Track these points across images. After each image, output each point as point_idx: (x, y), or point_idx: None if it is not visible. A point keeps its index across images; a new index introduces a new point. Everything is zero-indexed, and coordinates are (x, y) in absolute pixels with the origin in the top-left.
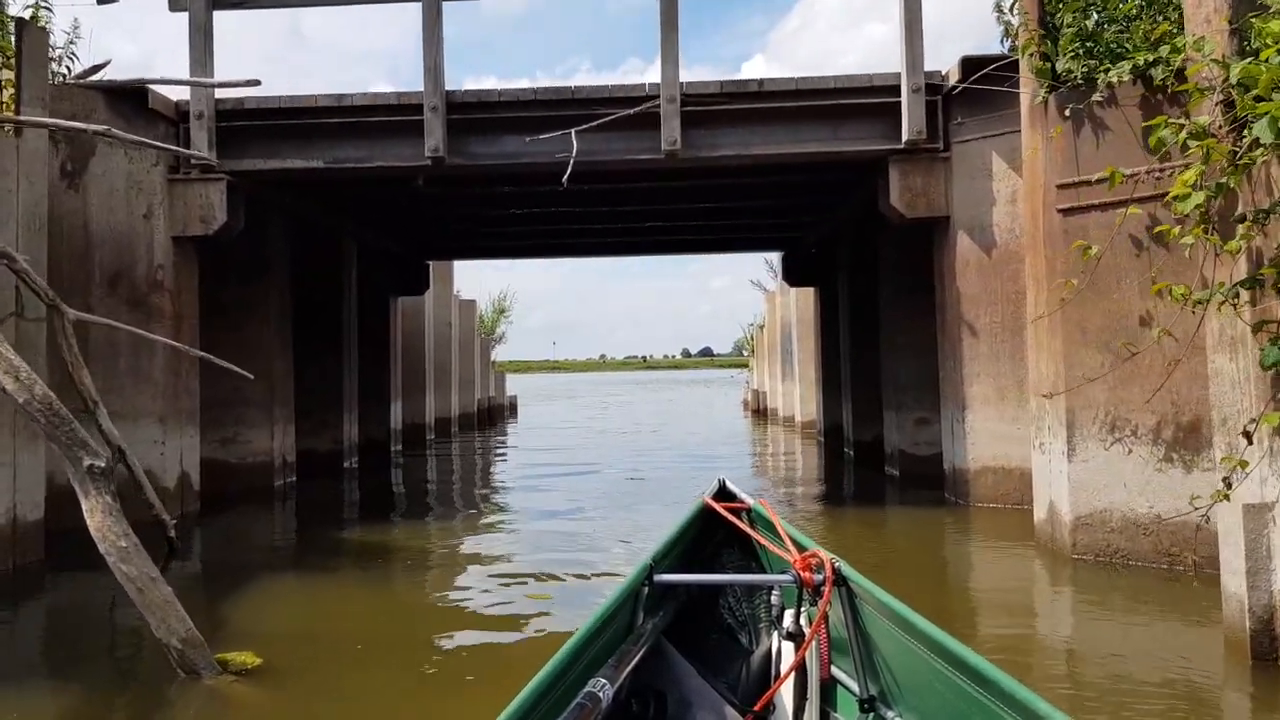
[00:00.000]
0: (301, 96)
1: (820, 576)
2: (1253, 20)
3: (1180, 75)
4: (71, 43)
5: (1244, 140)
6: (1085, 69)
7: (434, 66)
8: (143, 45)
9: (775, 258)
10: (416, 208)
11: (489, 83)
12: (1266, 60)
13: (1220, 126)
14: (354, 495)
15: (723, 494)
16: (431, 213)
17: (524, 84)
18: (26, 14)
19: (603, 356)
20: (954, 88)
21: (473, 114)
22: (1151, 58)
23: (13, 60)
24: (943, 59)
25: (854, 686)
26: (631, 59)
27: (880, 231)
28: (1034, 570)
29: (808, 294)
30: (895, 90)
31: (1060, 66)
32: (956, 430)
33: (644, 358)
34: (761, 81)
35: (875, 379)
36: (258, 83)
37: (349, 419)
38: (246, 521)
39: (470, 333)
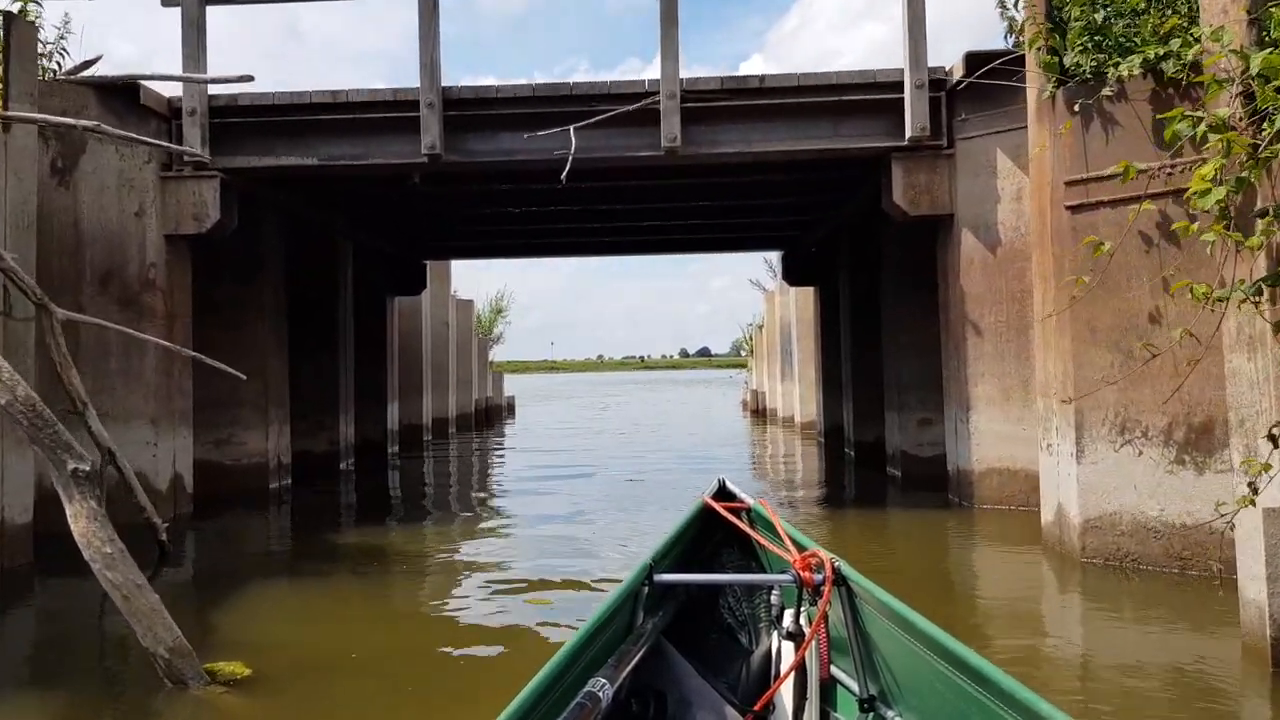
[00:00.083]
0: (296, 93)
1: (820, 576)
2: (1272, 10)
3: (1195, 68)
4: (62, 38)
5: (1265, 133)
6: (1094, 63)
7: (430, 62)
8: (142, 45)
9: (775, 257)
10: (413, 206)
11: (487, 82)
12: None
13: (1240, 119)
14: (350, 498)
15: (722, 494)
16: (428, 211)
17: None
18: (14, 8)
19: (600, 357)
20: (958, 84)
21: (470, 110)
22: (1162, 51)
23: (0, 54)
24: (941, 57)
25: (854, 686)
26: (630, 59)
27: (882, 230)
28: (1043, 574)
29: (808, 293)
30: (898, 86)
31: (1068, 61)
32: (961, 431)
33: (642, 358)
34: (763, 78)
35: (877, 379)
36: (251, 78)
37: (345, 420)
38: (240, 524)
39: (468, 333)
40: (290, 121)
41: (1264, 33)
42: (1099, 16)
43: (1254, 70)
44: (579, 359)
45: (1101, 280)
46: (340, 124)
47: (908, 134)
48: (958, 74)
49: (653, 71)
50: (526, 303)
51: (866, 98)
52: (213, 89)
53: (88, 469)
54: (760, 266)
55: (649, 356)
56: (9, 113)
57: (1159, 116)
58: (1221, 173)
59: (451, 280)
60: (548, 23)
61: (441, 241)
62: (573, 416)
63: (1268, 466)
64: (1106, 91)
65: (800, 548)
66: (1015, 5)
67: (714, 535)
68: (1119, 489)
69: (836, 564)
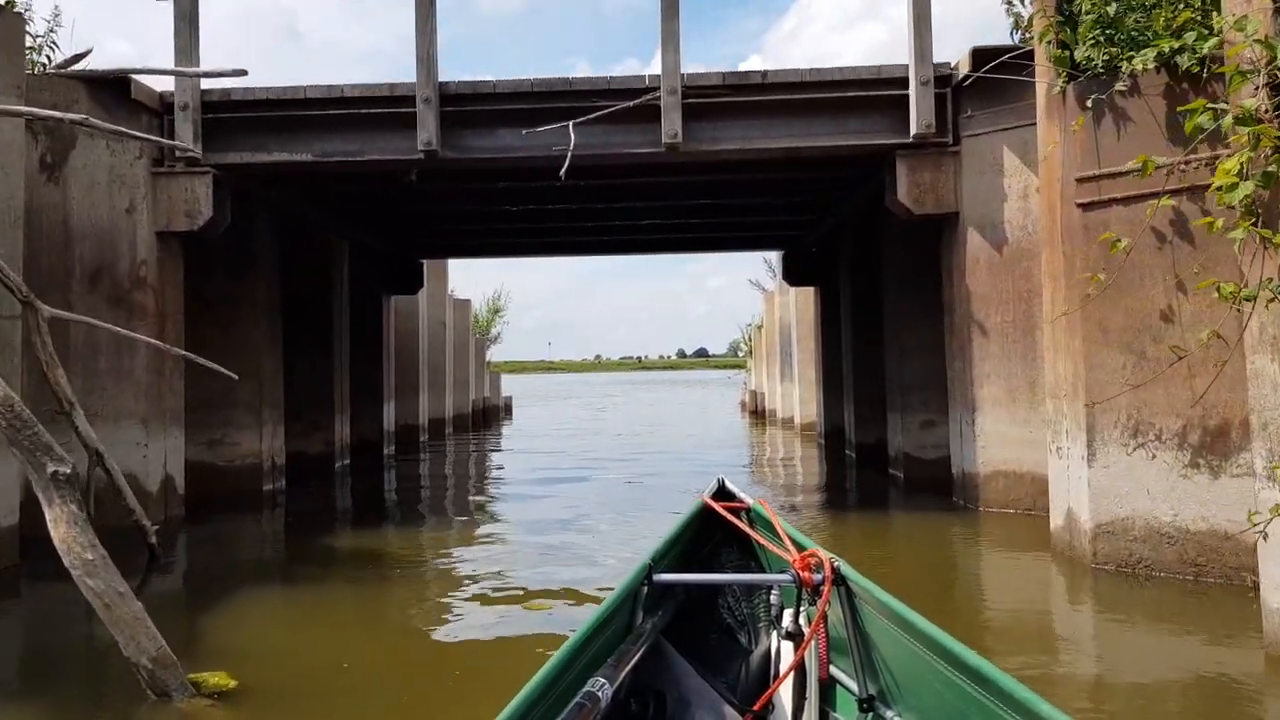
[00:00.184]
0: (290, 87)
1: (819, 576)
2: None
3: (1212, 61)
4: (52, 31)
5: None
6: (1106, 57)
7: (426, 57)
8: (140, 43)
9: (775, 257)
10: (409, 204)
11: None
12: None
13: (1266, 110)
14: (345, 500)
15: (721, 493)
16: (424, 209)
17: None
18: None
19: (598, 357)
20: (964, 80)
21: (467, 106)
22: (1176, 45)
23: None
24: (941, 57)
25: (853, 686)
26: (629, 59)
27: (885, 229)
28: (1053, 580)
29: (808, 294)
30: (903, 83)
31: (1079, 55)
32: (966, 433)
33: (639, 358)
34: (765, 73)
35: (878, 380)
36: (244, 72)
37: (340, 420)
38: (233, 527)
39: (465, 332)
40: (284, 117)
41: None
42: (1111, 9)
43: None
44: (576, 359)
45: (1113, 279)
46: (335, 119)
47: (913, 131)
48: (964, 70)
49: (652, 70)
50: (524, 303)
51: (871, 94)
52: (206, 84)
53: (68, 472)
54: (759, 267)
55: (646, 357)
56: None
57: (1181, 109)
58: (1248, 167)
59: (449, 279)
60: (546, 23)
61: (438, 240)
62: (570, 417)
63: None
64: (1120, 86)
65: (800, 547)
66: (1022, 1)
67: (713, 535)
68: (1131, 493)
69: (836, 564)
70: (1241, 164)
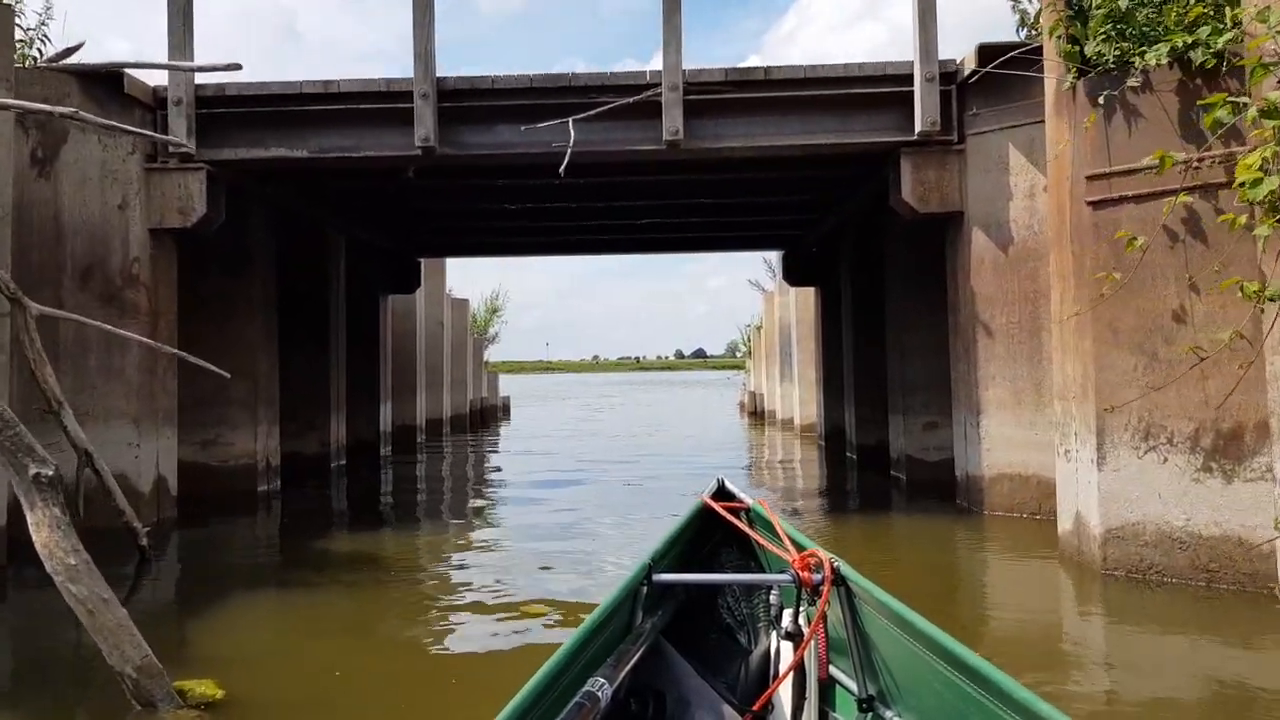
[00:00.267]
0: (286, 82)
1: (819, 576)
2: None
3: (1228, 54)
4: (44, 24)
5: None
6: (1118, 52)
7: (424, 52)
8: (139, 42)
9: (775, 257)
10: (407, 202)
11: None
12: None
13: None
14: (341, 501)
15: (721, 493)
16: (422, 207)
17: None
18: None
19: (596, 357)
20: (970, 76)
21: (465, 102)
22: (1190, 39)
23: None
24: (942, 54)
25: (852, 686)
26: (627, 60)
27: (887, 228)
28: (1063, 586)
29: (808, 294)
30: (908, 79)
31: (1089, 50)
32: (970, 435)
33: (637, 359)
34: (768, 69)
35: (880, 381)
36: (238, 67)
37: (336, 420)
38: (226, 529)
39: (463, 332)
40: (280, 112)
41: None
42: (1123, 3)
43: None
44: (574, 359)
45: (1127, 279)
46: (331, 115)
47: (917, 128)
48: (969, 66)
49: (652, 68)
50: (522, 302)
51: (875, 91)
52: (200, 79)
53: (51, 474)
54: (758, 268)
55: (644, 357)
56: None
57: (1201, 102)
58: (1273, 162)
59: (446, 279)
60: (543, 24)
61: (436, 239)
62: (568, 418)
63: None
64: (1132, 82)
65: (799, 547)
66: None
67: (713, 535)
68: (1142, 497)
69: (835, 564)
70: (1265, 159)
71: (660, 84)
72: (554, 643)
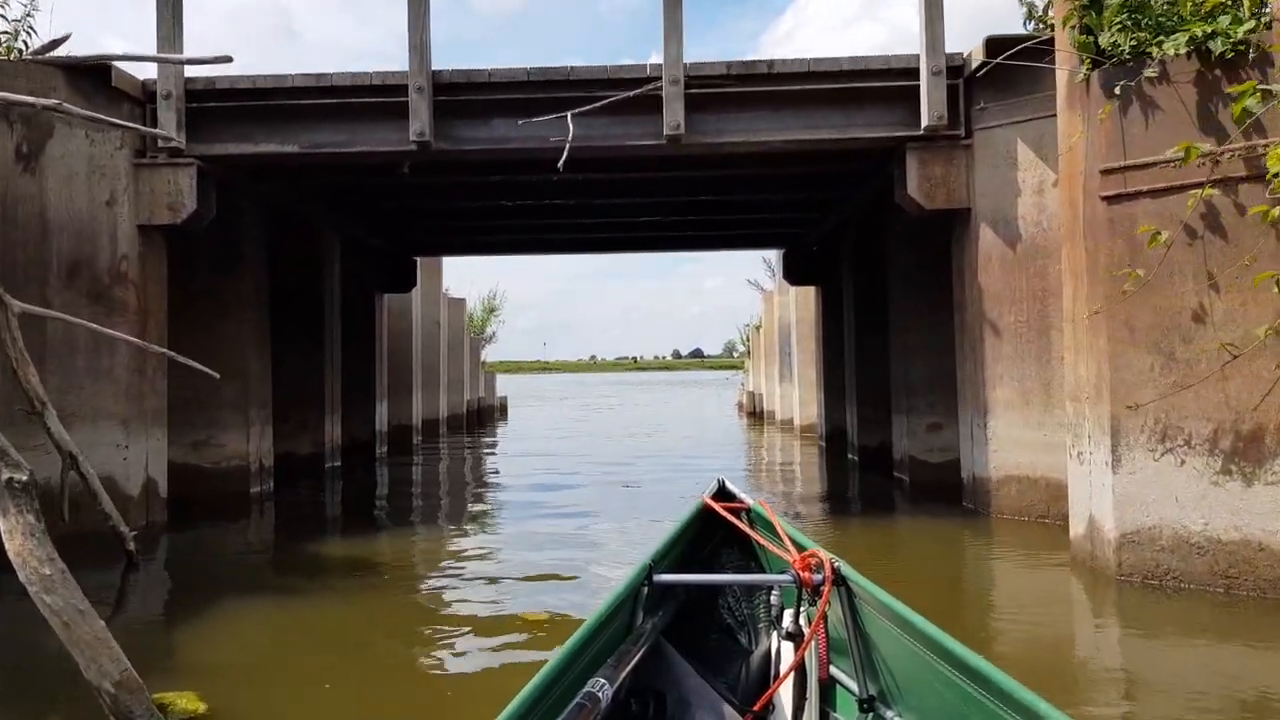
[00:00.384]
0: (277, 76)
1: (819, 576)
2: None
3: (1247, 45)
4: (29, 15)
5: None
6: (1133, 42)
7: (419, 44)
8: (140, 42)
9: (774, 256)
10: (402, 199)
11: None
12: None
13: None
14: (335, 503)
15: (722, 494)
16: (417, 205)
17: None
18: None
19: (593, 357)
20: (977, 70)
21: (461, 95)
22: (1209, 29)
23: None
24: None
25: (853, 686)
26: (624, 59)
27: (889, 226)
28: (1076, 593)
29: (808, 293)
30: (914, 73)
31: (1104, 41)
32: (977, 436)
33: (635, 359)
34: (771, 63)
35: (882, 381)
36: (229, 59)
37: (331, 420)
38: (217, 533)
39: (459, 332)
40: (271, 106)
41: None
42: None
43: None
44: (572, 359)
45: (1149, 276)
46: (324, 109)
47: (924, 123)
48: (977, 59)
49: (653, 62)
50: (520, 303)
51: (880, 85)
52: (190, 72)
53: (25, 479)
54: (755, 268)
55: (642, 357)
56: None
57: (1231, 90)
58: None
59: (443, 278)
60: (542, 24)
61: (432, 237)
62: (566, 418)
63: None
64: (1150, 73)
65: (800, 548)
66: None
67: (713, 535)
68: (1159, 501)
69: (836, 564)
70: None
71: (661, 78)
72: (550, 648)
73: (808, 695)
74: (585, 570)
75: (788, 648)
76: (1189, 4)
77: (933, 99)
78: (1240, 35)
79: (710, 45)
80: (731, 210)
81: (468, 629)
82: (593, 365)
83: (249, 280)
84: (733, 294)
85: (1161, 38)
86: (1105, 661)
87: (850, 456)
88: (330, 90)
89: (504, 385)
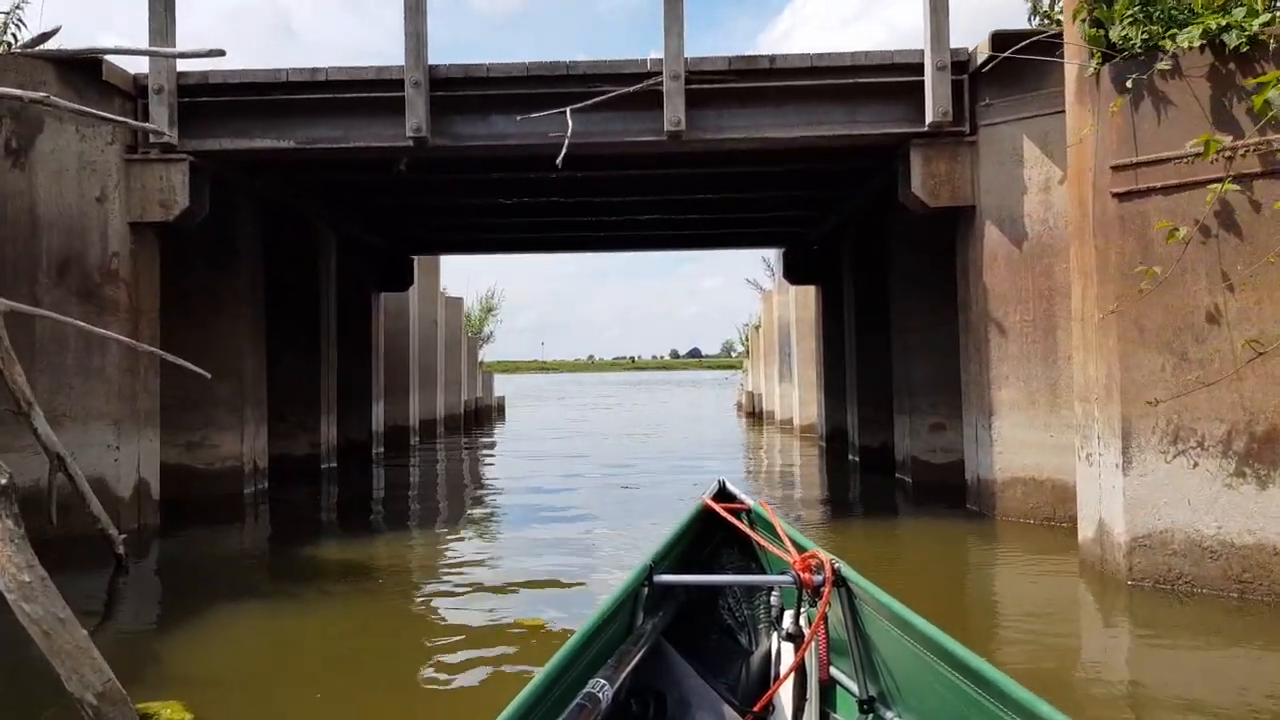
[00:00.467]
0: (272, 70)
1: (820, 577)
2: None
3: (1258, 38)
4: (18, 7)
5: None
6: (1145, 36)
7: (416, 37)
8: (137, 41)
9: (774, 256)
10: (398, 196)
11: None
12: None
13: None
14: (330, 505)
15: (722, 495)
16: (414, 202)
17: None
18: None
19: (591, 357)
20: (983, 65)
21: (459, 90)
22: (1223, 21)
23: None
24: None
25: (853, 687)
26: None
27: (891, 225)
28: (1085, 598)
29: (808, 292)
30: (918, 69)
31: (1115, 34)
32: (981, 437)
33: (633, 359)
34: (773, 58)
35: (883, 381)
36: (222, 53)
37: (327, 421)
38: (210, 535)
39: (457, 331)
40: (265, 101)
41: None
42: None
43: None
44: (570, 359)
45: (1166, 274)
46: (319, 104)
47: (928, 119)
48: (982, 55)
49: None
50: (518, 302)
51: (884, 80)
52: (182, 66)
53: (3, 483)
54: (753, 267)
55: (639, 357)
56: None
57: (1253, 81)
58: None
59: (440, 277)
60: (540, 24)
61: (429, 235)
62: (564, 418)
63: None
64: (1163, 65)
65: (800, 549)
66: None
67: (714, 536)
68: (1171, 504)
69: (836, 565)
70: None
71: (661, 73)
72: (548, 656)
73: (808, 696)
74: (584, 576)
75: (788, 648)
76: None
77: (937, 95)
78: (1256, 28)
79: (709, 44)
80: (731, 209)
81: (464, 637)
82: (591, 365)
83: (244, 278)
84: (731, 294)
85: (1174, 30)
86: (1117, 669)
87: (851, 457)
88: (325, 84)
89: (501, 385)
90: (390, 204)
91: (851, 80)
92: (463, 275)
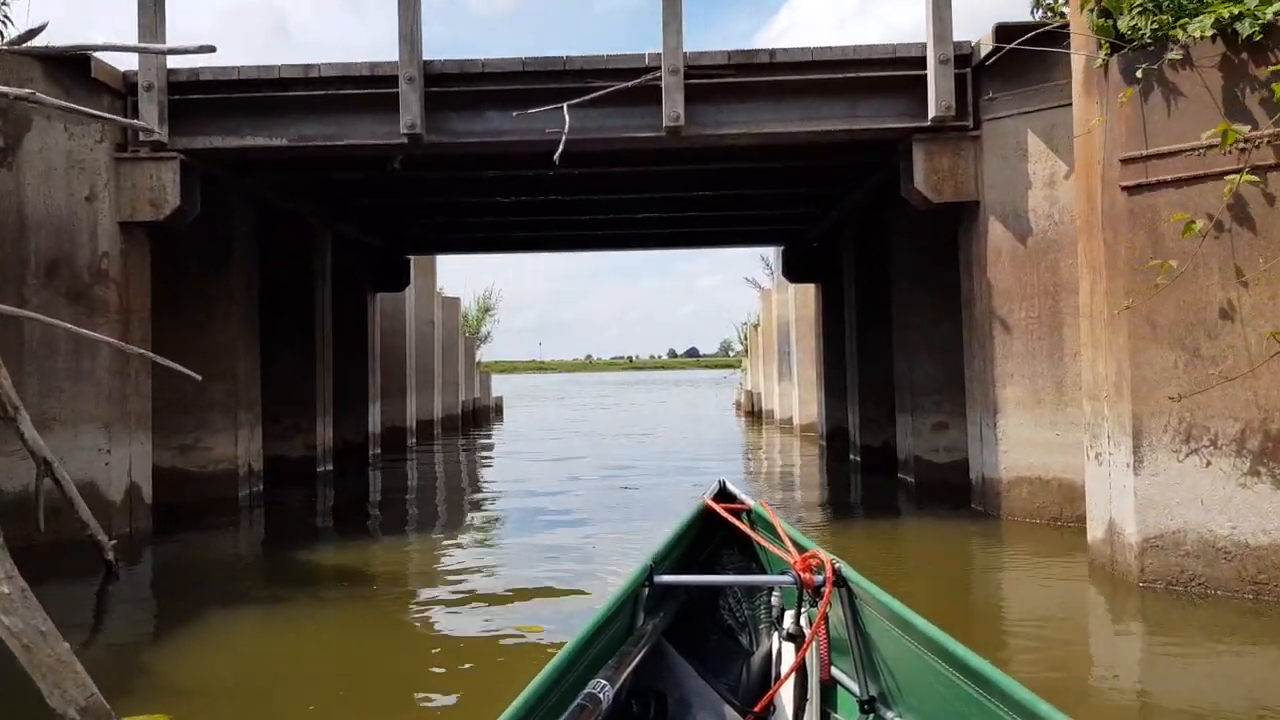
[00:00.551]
0: (263, 66)
1: (820, 577)
2: None
3: (1272, 26)
4: (4, 4)
5: None
6: (1155, 25)
7: (410, 33)
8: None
9: (773, 254)
10: (394, 195)
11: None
12: None
13: None
14: (326, 509)
15: (723, 495)
16: (410, 201)
17: None
18: None
19: (589, 357)
20: (987, 58)
21: (453, 86)
22: (1236, 10)
23: None
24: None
25: (854, 687)
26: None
27: (892, 222)
28: (1096, 600)
29: (808, 291)
30: (920, 62)
31: (1124, 25)
32: (986, 436)
33: (630, 358)
34: (773, 52)
35: (885, 379)
36: (212, 49)
37: (323, 422)
38: (203, 540)
39: (454, 332)
40: (257, 98)
41: None
42: None
43: None
44: (567, 359)
45: (1182, 269)
46: (312, 101)
47: (931, 114)
48: (986, 48)
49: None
50: (515, 302)
51: (886, 74)
52: (173, 63)
53: None
54: (751, 266)
55: (637, 357)
56: None
57: (1262, 73)
58: None
59: (437, 277)
60: (537, 24)
61: (425, 234)
62: (562, 419)
63: None
64: (1174, 55)
65: (800, 549)
66: None
67: (714, 536)
68: (1183, 504)
69: (837, 565)
70: None
71: (660, 67)
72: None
73: (809, 696)
74: (582, 582)
75: (788, 649)
76: None
77: (940, 89)
78: (1270, 15)
79: (705, 44)
80: (731, 206)
81: (461, 644)
82: (589, 365)
83: (237, 279)
84: (727, 292)
85: (1185, 20)
86: (1130, 674)
87: (852, 457)
88: (318, 81)
89: (499, 385)
90: (386, 203)
91: (852, 75)
92: (460, 275)
